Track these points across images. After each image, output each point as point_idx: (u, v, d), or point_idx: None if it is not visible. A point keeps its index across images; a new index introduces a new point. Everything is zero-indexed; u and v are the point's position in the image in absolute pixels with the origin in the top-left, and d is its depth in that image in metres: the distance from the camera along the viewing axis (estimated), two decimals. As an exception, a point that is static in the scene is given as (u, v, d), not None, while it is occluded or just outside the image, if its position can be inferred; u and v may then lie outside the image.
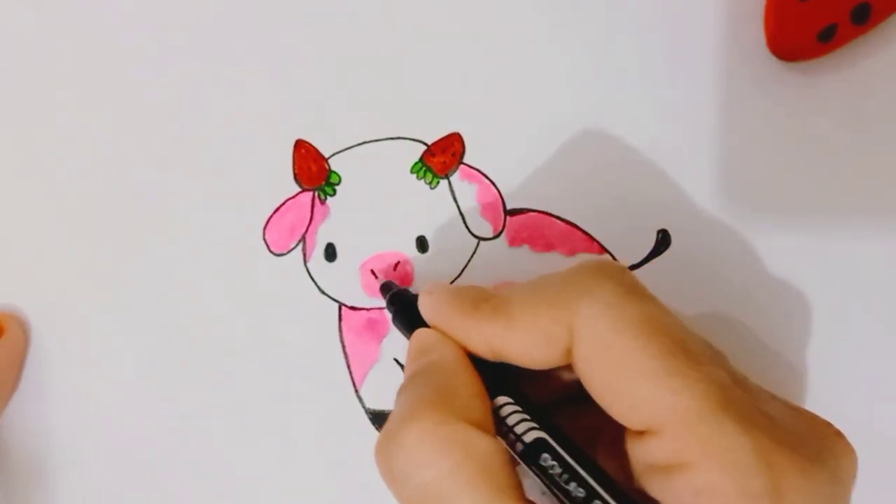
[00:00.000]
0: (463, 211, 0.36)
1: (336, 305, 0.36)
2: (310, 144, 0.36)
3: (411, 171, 0.36)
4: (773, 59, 0.35)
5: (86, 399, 0.37)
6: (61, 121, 0.37)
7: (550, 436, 0.26)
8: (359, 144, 0.36)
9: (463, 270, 0.36)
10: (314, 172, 0.36)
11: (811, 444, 0.25)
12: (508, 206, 0.36)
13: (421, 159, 0.36)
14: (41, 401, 0.37)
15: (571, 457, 0.26)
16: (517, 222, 0.36)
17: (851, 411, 0.34)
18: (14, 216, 0.38)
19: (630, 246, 0.35)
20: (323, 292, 0.36)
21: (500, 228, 0.36)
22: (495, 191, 0.36)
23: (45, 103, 0.38)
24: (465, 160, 0.36)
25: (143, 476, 0.37)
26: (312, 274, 0.36)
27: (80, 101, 0.37)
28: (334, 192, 0.36)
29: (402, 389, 0.28)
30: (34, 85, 0.38)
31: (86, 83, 0.37)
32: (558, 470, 0.25)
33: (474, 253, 0.36)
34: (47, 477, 0.37)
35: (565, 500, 0.25)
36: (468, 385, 0.27)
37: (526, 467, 0.26)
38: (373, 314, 0.36)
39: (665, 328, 0.25)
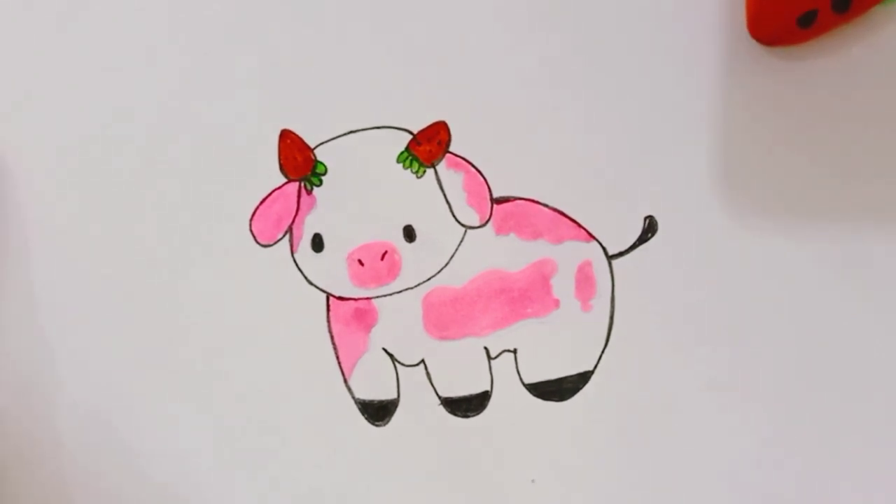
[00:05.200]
0: (449, 199, 0.36)
1: (324, 296, 0.36)
2: (295, 135, 0.36)
3: (397, 161, 0.36)
4: (755, 43, 0.35)
5: (73, 392, 0.37)
6: (46, 116, 0.37)
7: None
8: (344, 134, 0.36)
9: (450, 259, 0.36)
10: (300, 163, 0.36)
11: None
12: (495, 195, 0.36)
13: (407, 148, 0.36)
14: (34, 394, 0.37)
15: None
16: (504, 210, 0.36)
17: (849, 411, 0.35)
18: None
19: (617, 233, 0.36)
20: (310, 283, 0.36)
21: (487, 217, 0.36)
22: (482, 179, 0.36)
23: (30, 98, 0.37)
24: (451, 149, 0.36)
25: (133, 469, 0.37)
26: (300, 264, 0.36)
27: (65, 96, 0.37)
28: (321, 182, 0.36)
29: None
30: (17, 79, 0.37)
31: (70, 77, 0.37)
32: None
33: (462, 241, 0.36)
34: (41, 471, 0.37)
35: None
36: None
37: None
38: (360, 304, 0.36)
39: None
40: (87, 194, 0.37)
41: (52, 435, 0.37)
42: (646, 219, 0.35)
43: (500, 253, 0.36)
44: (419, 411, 0.36)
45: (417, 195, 0.36)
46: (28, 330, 0.37)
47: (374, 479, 0.37)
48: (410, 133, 0.36)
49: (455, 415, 0.36)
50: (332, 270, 0.36)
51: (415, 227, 0.36)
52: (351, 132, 0.36)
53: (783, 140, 0.35)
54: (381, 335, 0.36)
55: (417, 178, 0.36)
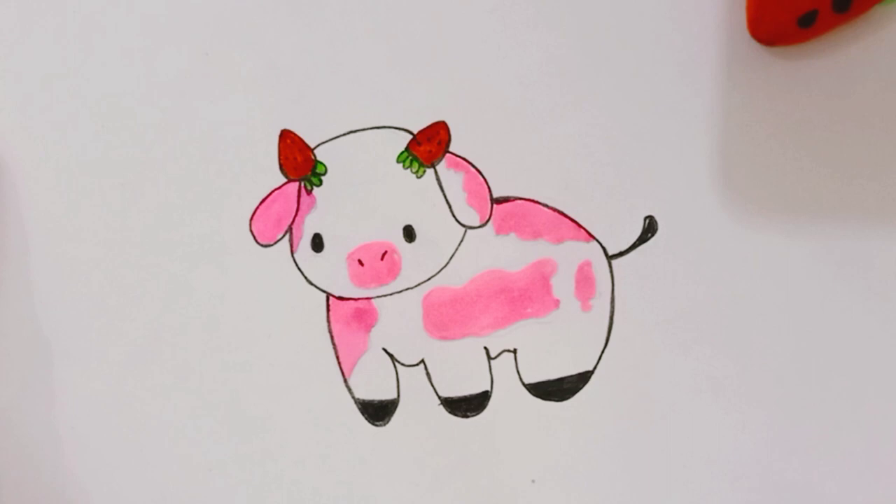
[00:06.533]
0: (449, 199, 0.36)
1: (324, 296, 0.36)
2: (295, 135, 0.36)
3: (397, 161, 0.36)
4: (755, 43, 0.35)
5: (73, 393, 0.37)
6: (46, 116, 0.37)
7: None
8: (344, 134, 0.36)
9: (450, 259, 0.36)
10: (300, 163, 0.36)
11: None
12: (495, 195, 0.36)
13: (407, 148, 0.36)
14: (34, 394, 0.37)
15: None
16: (504, 210, 0.36)
17: (849, 411, 0.35)
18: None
19: (617, 233, 0.36)
20: (310, 283, 0.36)
21: (487, 216, 0.36)
22: (482, 179, 0.36)
23: (30, 98, 0.37)
24: (451, 149, 0.36)
25: (133, 469, 0.37)
26: (300, 264, 0.36)
27: (65, 95, 0.37)
28: (320, 182, 0.36)
29: None
30: (17, 79, 0.37)
31: (71, 77, 0.37)
32: None
33: (461, 241, 0.36)
34: (41, 471, 0.37)
35: None
36: None
37: None
38: (360, 304, 0.36)
39: None
40: (86, 194, 0.37)
41: (52, 435, 0.37)
42: (646, 219, 0.35)
43: (500, 253, 0.36)
44: (419, 411, 0.36)
45: (417, 195, 0.36)
46: (28, 330, 0.37)
47: (374, 479, 0.37)
48: (410, 133, 0.36)
49: (455, 415, 0.36)
50: (332, 270, 0.36)
51: (415, 227, 0.36)
52: (351, 132, 0.36)
53: (783, 140, 0.35)
54: (381, 335, 0.36)
55: (417, 178, 0.36)
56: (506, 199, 0.36)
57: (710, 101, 0.35)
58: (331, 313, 0.36)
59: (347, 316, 0.36)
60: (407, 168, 0.36)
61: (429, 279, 0.36)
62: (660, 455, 0.36)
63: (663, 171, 0.35)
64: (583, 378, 0.36)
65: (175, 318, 0.37)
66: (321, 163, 0.36)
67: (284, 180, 0.36)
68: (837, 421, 0.35)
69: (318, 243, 0.36)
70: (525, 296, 0.36)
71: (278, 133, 0.36)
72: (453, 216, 0.36)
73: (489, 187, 0.36)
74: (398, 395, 0.36)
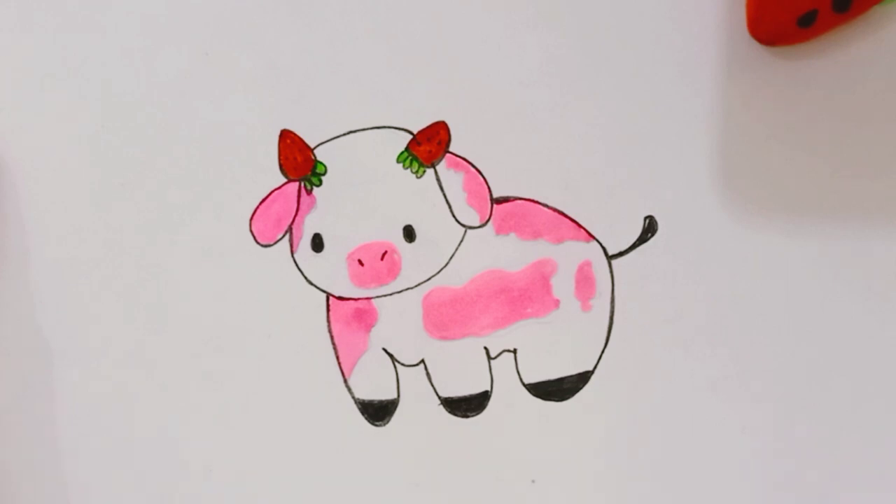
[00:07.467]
0: (449, 199, 0.36)
1: (324, 296, 0.36)
2: (295, 135, 0.36)
3: (397, 161, 0.36)
4: (755, 43, 0.35)
5: (73, 393, 0.37)
6: (46, 116, 0.37)
7: None
8: (344, 134, 0.36)
9: (450, 259, 0.36)
10: (300, 163, 0.36)
11: None
12: (495, 195, 0.36)
13: (407, 148, 0.36)
14: (34, 394, 0.37)
15: None
16: (504, 210, 0.36)
17: (849, 411, 0.35)
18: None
19: (617, 233, 0.36)
20: (310, 283, 0.36)
21: (487, 216, 0.36)
22: (482, 179, 0.36)
23: (30, 98, 0.37)
24: (451, 149, 0.36)
25: (133, 469, 0.37)
26: (299, 264, 0.36)
27: (65, 95, 0.37)
28: (320, 182, 0.36)
29: None
30: (17, 79, 0.37)
31: (70, 75, 0.37)
32: None
33: (461, 241, 0.36)
34: (42, 472, 0.37)
35: None
36: None
37: None
38: (360, 304, 0.36)
39: None
40: (86, 194, 0.37)
41: (52, 435, 0.37)
42: (646, 219, 0.36)
43: (500, 253, 0.36)
44: (419, 411, 0.36)
45: (417, 195, 0.36)
46: (28, 330, 0.37)
47: (374, 479, 0.37)
48: (410, 133, 0.36)
49: (455, 415, 0.36)
50: (332, 270, 0.36)
51: (415, 227, 0.36)
52: (351, 132, 0.36)
53: (783, 140, 0.35)
54: (381, 335, 0.36)
55: (417, 178, 0.36)
56: (506, 199, 0.36)
57: (710, 101, 0.35)
58: (331, 313, 0.36)
59: (347, 316, 0.36)
60: (407, 168, 0.36)
61: (429, 279, 0.36)
62: (660, 455, 0.36)
63: (663, 171, 0.35)
64: (583, 378, 0.36)
65: (175, 319, 0.37)
66: (321, 163, 0.36)
67: (284, 180, 0.36)
68: (837, 421, 0.35)
69: (318, 243, 0.36)
70: (525, 296, 0.36)
71: (278, 133, 0.36)
72: (453, 216, 0.36)
73: (489, 187, 0.36)
74: (398, 395, 0.36)
